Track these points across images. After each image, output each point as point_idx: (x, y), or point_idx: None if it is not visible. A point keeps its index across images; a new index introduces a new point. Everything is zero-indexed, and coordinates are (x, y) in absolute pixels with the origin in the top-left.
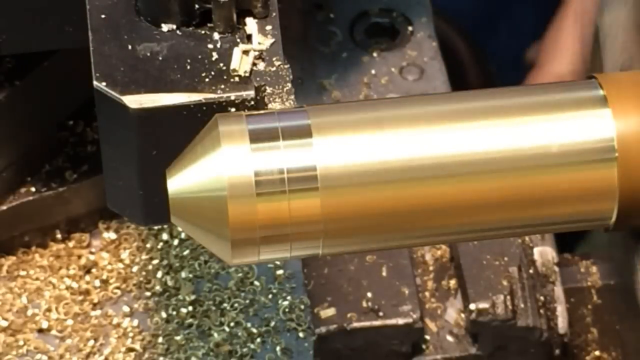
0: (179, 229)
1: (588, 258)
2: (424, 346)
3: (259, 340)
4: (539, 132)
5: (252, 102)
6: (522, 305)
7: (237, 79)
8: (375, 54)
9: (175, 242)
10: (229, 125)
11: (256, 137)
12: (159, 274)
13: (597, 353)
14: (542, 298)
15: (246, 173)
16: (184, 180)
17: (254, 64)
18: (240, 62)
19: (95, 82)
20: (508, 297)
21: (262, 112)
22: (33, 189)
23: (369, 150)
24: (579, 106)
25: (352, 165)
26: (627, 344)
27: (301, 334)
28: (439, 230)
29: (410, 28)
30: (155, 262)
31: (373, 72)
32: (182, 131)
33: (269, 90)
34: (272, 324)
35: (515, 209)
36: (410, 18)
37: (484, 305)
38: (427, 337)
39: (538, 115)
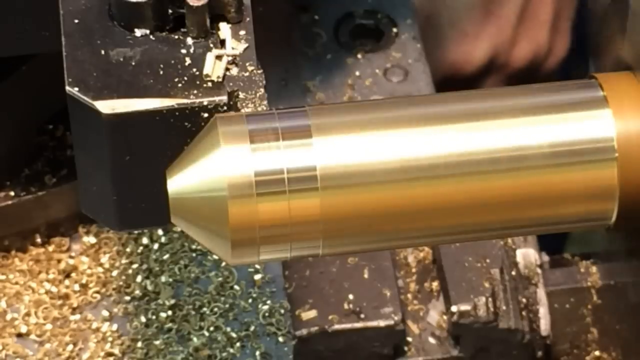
0: (159, 232)
1: (588, 258)
2: (405, 348)
3: (238, 344)
4: (538, 132)
5: (225, 108)
6: (504, 307)
7: (210, 84)
8: (359, 56)
9: (155, 246)
10: (229, 126)
11: (256, 137)
12: (139, 278)
13: (597, 353)
14: (524, 300)
15: (246, 173)
16: (184, 181)
17: (227, 69)
18: (213, 67)
19: (67, 87)
20: (490, 299)
21: (262, 112)
22: (12, 193)
23: (369, 150)
24: (579, 106)
25: (352, 165)
26: (627, 344)
27: (281, 339)
28: (439, 230)
29: (394, 30)
30: (135, 266)
31: (357, 73)
32: (155, 136)
33: (241, 95)
34: (252, 328)
35: (515, 208)
36: (394, 20)
37: (465, 307)
38: (409, 339)
39: (538, 115)
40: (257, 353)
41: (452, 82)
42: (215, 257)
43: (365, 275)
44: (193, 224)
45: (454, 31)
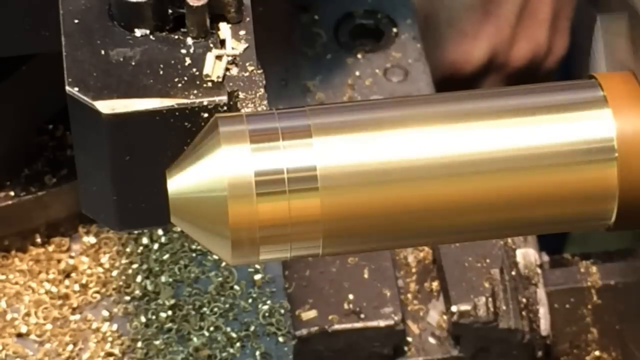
0: (159, 232)
1: (588, 258)
2: (405, 348)
3: (238, 344)
4: (538, 132)
5: (225, 108)
6: (504, 307)
7: (210, 84)
8: (359, 56)
9: (155, 246)
10: (229, 126)
11: (256, 137)
12: (139, 278)
13: (597, 353)
14: (524, 300)
15: (246, 173)
16: (184, 181)
17: (227, 69)
18: (213, 67)
19: (67, 87)
20: (490, 299)
21: (262, 112)
22: (12, 193)
23: (369, 150)
24: (579, 106)
25: (352, 165)
26: (627, 344)
27: (281, 339)
28: (439, 230)
29: (394, 29)
30: (135, 266)
31: (357, 73)
32: (155, 136)
33: (241, 95)
34: (252, 328)
35: (515, 208)
36: (394, 20)
37: (465, 307)
38: (409, 339)
39: (537, 115)
40: (257, 353)
41: (452, 82)
42: (215, 257)
43: (365, 275)
44: (193, 224)
45: (452, 31)
